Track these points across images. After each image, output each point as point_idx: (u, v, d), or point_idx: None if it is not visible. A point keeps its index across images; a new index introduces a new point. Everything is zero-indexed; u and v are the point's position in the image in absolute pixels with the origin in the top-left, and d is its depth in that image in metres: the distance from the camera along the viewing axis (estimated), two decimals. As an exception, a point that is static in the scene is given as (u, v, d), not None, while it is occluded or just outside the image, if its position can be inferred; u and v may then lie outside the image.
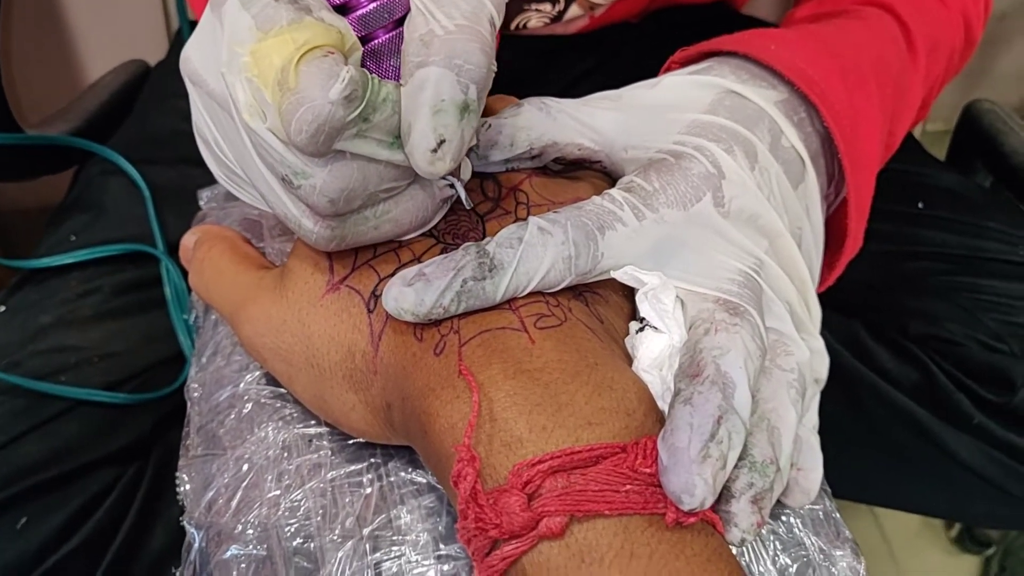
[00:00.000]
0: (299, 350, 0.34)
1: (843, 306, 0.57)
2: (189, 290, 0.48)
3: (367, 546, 0.33)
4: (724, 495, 0.29)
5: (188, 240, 0.42)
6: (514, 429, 0.27)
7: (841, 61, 0.40)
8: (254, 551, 0.34)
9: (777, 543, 0.35)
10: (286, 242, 0.43)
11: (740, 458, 0.30)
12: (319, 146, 0.27)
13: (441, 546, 0.34)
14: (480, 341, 0.30)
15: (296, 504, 0.34)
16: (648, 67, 0.43)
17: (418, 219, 0.33)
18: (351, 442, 0.37)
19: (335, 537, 0.33)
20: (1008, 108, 0.74)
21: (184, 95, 0.34)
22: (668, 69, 0.42)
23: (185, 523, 0.37)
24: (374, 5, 0.30)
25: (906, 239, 0.60)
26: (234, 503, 0.35)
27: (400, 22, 0.30)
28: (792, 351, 0.34)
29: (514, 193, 0.36)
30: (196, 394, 0.41)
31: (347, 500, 0.35)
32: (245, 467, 0.36)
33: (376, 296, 0.32)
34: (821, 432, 0.36)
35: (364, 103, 0.27)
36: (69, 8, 0.98)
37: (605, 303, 0.34)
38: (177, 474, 0.39)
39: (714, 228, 0.33)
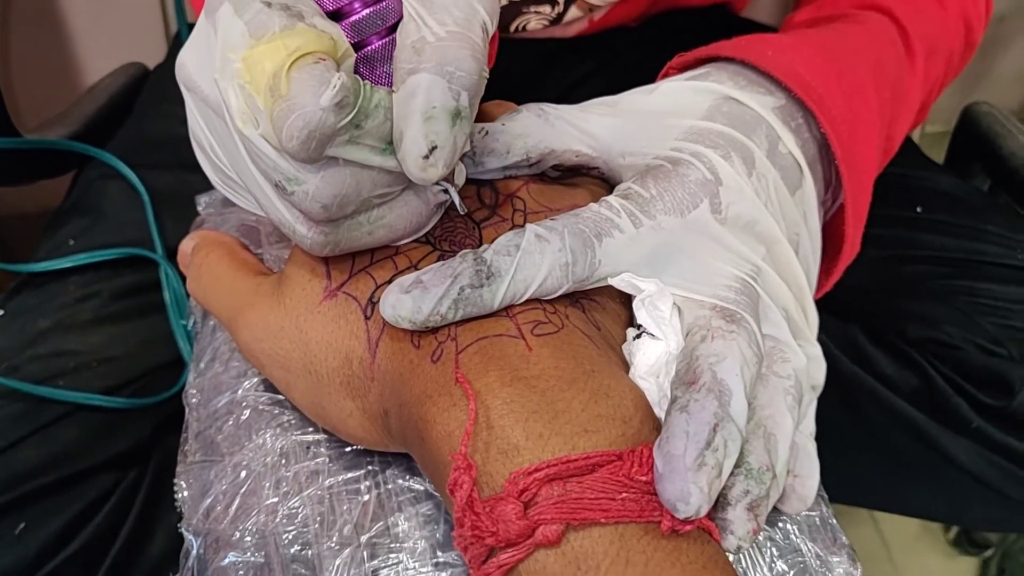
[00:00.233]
0: (297, 356, 0.34)
1: (841, 310, 0.57)
2: (188, 295, 0.48)
3: (365, 553, 0.33)
4: (720, 502, 0.29)
5: (186, 245, 0.42)
6: (511, 436, 0.27)
7: (838, 66, 0.40)
8: (252, 558, 0.34)
9: (774, 549, 0.35)
10: (284, 248, 0.43)
11: (736, 465, 0.30)
12: (310, 152, 0.27)
13: (439, 553, 0.34)
14: (477, 348, 0.30)
15: (294, 511, 0.35)
16: (647, 71, 0.43)
17: (412, 224, 0.33)
18: (349, 449, 0.37)
19: (333, 544, 0.33)
20: (1007, 111, 0.74)
21: (182, 99, 0.34)
22: (666, 75, 0.42)
23: (183, 530, 0.37)
24: (367, 11, 0.30)
25: (904, 243, 0.60)
26: (232, 510, 0.35)
27: (394, 28, 0.30)
28: (789, 358, 0.34)
29: (511, 200, 0.36)
30: (194, 400, 0.41)
31: (345, 507, 0.35)
32: (243, 474, 0.36)
33: (373, 303, 0.33)
34: (819, 437, 0.36)
35: (356, 110, 0.27)
36: (67, 11, 0.98)
37: (602, 310, 0.34)
38: (175, 480, 0.39)
39: (711, 235, 0.33)
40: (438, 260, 0.33)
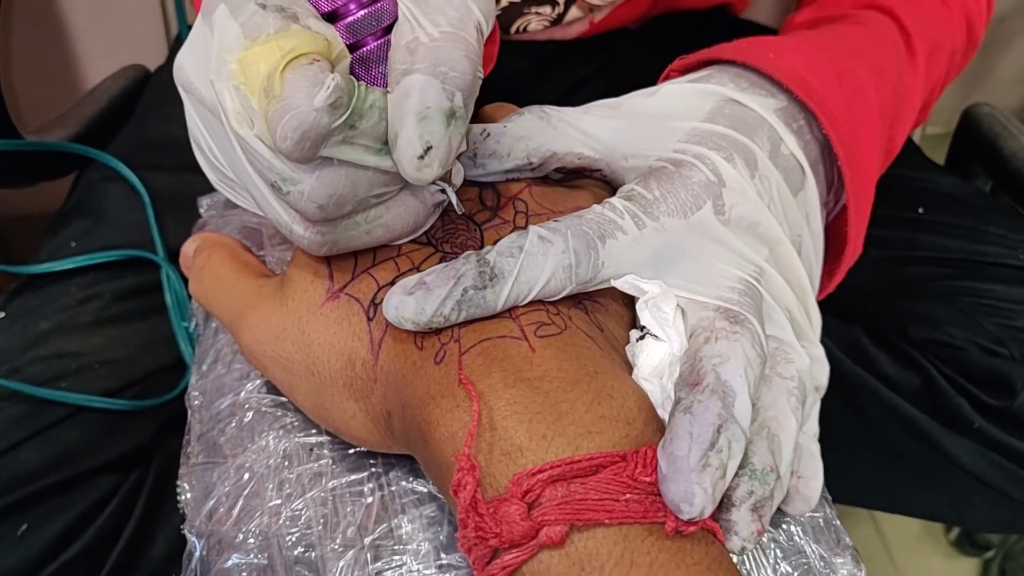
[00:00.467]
0: (299, 358, 0.34)
1: (843, 311, 0.57)
2: (190, 297, 0.48)
3: (368, 555, 0.33)
4: (724, 503, 0.29)
5: (188, 248, 0.42)
6: (514, 438, 0.27)
7: (839, 67, 0.40)
8: (255, 560, 0.34)
9: (778, 551, 0.35)
10: (286, 250, 0.43)
11: (740, 466, 0.30)
12: (304, 153, 0.27)
13: (442, 555, 0.34)
14: (480, 350, 0.30)
15: (297, 513, 0.34)
16: (648, 73, 0.43)
17: (410, 224, 0.33)
18: (352, 451, 0.37)
19: (336, 546, 0.33)
20: (1007, 112, 0.74)
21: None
22: (667, 77, 0.42)
23: (186, 531, 0.37)
24: (362, 13, 0.30)
25: (906, 244, 0.60)
26: (235, 512, 0.35)
27: (389, 29, 0.31)
28: (792, 359, 0.34)
29: (513, 202, 0.36)
30: (197, 402, 0.41)
31: (348, 509, 0.35)
32: (246, 476, 0.36)
33: (376, 304, 0.33)
34: (822, 438, 0.36)
35: (350, 110, 0.27)
36: (68, 13, 0.98)
37: (605, 312, 0.34)
38: (178, 482, 0.39)
39: (714, 236, 0.33)
40: (440, 262, 0.33)
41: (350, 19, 0.30)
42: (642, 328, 0.33)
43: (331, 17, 0.30)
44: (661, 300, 0.32)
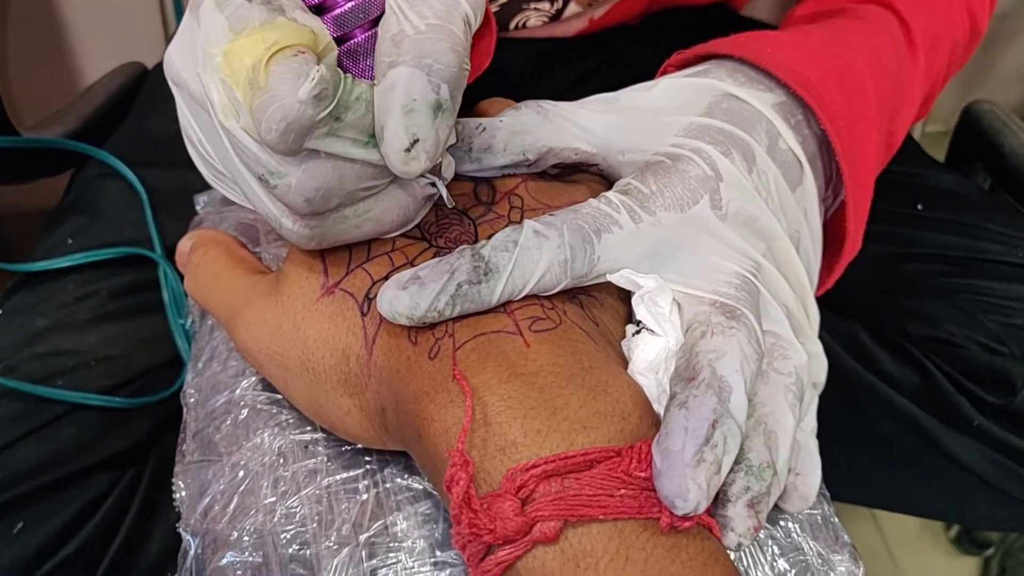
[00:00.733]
0: (294, 354, 0.34)
1: (843, 308, 0.57)
2: (186, 294, 0.48)
3: (363, 553, 0.33)
4: (720, 499, 0.29)
5: (184, 245, 0.42)
6: (508, 433, 0.27)
7: (838, 62, 0.40)
8: (250, 558, 0.34)
9: (775, 547, 0.35)
10: (282, 247, 0.43)
11: (737, 462, 0.30)
12: (289, 144, 0.27)
13: (437, 552, 0.33)
14: (475, 345, 0.30)
15: (292, 511, 0.34)
16: (647, 69, 0.43)
17: (400, 218, 0.33)
18: (347, 448, 0.37)
19: (331, 544, 0.33)
20: (1008, 109, 0.74)
21: None
22: (664, 72, 0.42)
23: (181, 530, 0.37)
24: (350, 5, 0.30)
25: (905, 241, 0.60)
26: (230, 509, 0.35)
27: (377, 22, 0.30)
28: (790, 355, 0.34)
29: (508, 197, 0.36)
30: (192, 400, 0.41)
31: (343, 507, 0.34)
32: (241, 473, 0.36)
33: (370, 299, 0.32)
34: (821, 435, 0.36)
35: (335, 102, 0.27)
36: (66, 10, 0.98)
37: (601, 306, 0.34)
38: (173, 480, 0.39)
39: (711, 231, 0.33)
40: (434, 256, 0.33)
41: (337, 11, 0.30)
42: (638, 323, 0.32)
43: (318, 10, 0.30)
44: (657, 295, 0.32)
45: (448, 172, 0.34)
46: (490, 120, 0.37)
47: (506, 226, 0.32)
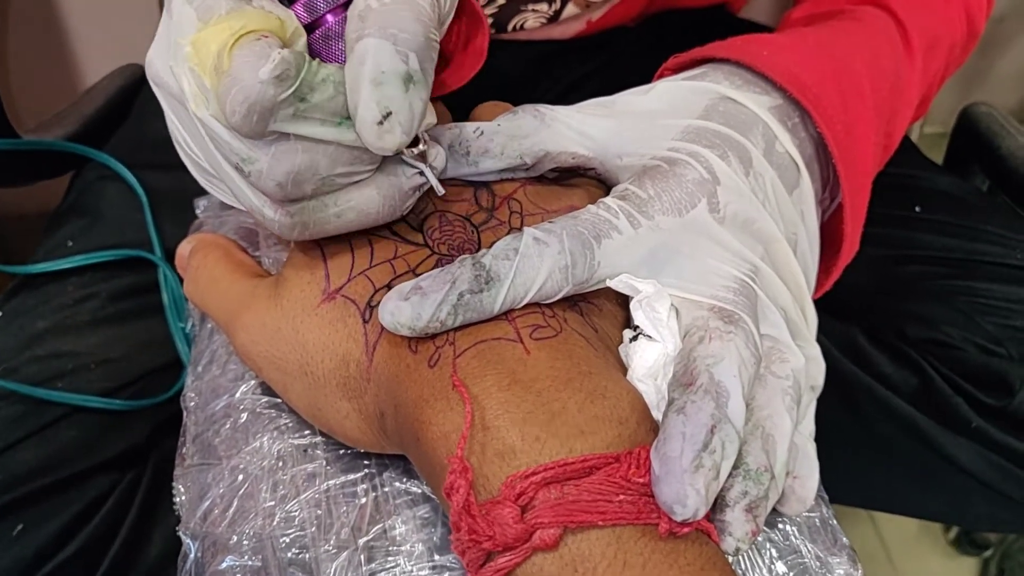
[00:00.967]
0: (293, 358, 0.34)
1: (841, 311, 0.57)
2: (186, 297, 0.48)
3: (362, 557, 0.33)
4: (719, 504, 0.29)
5: (184, 248, 0.42)
6: (507, 439, 0.27)
7: (834, 65, 0.40)
8: (249, 562, 0.34)
9: (773, 551, 0.35)
10: (281, 251, 0.43)
11: (734, 466, 0.30)
12: (253, 126, 0.27)
13: (436, 556, 0.33)
14: (475, 352, 0.30)
15: (291, 514, 0.34)
16: (646, 72, 0.43)
17: (385, 209, 0.32)
18: (346, 452, 0.37)
19: (330, 548, 0.33)
20: (1005, 111, 0.74)
21: None
22: (661, 75, 0.42)
23: (181, 533, 0.37)
24: None
25: (903, 243, 0.60)
26: (229, 513, 0.35)
27: (348, 6, 0.31)
28: (787, 358, 0.34)
29: (508, 202, 0.36)
30: (192, 403, 0.41)
31: (342, 510, 0.35)
32: (240, 477, 0.36)
33: (372, 306, 0.32)
34: (819, 437, 0.36)
35: (298, 82, 0.27)
36: (66, 12, 0.98)
37: (600, 313, 0.34)
38: (173, 484, 0.39)
39: (709, 234, 0.33)
40: (436, 264, 0.33)
41: None
42: (635, 328, 0.32)
43: None
44: (655, 300, 0.32)
45: (438, 162, 0.33)
46: (487, 124, 0.37)
47: (508, 232, 0.32)
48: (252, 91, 0.26)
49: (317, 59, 0.28)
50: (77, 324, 0.54)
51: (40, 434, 0.48)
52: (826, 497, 0.38)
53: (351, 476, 0.36)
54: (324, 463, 0.36)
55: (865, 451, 0.59)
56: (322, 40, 0.31)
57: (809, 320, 0.37)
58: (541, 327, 0.31)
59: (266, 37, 0.27)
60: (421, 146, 0.32)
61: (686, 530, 0.26)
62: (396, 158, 0.32)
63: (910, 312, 0.56)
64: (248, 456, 0.36)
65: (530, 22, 0.65)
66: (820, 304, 0.39)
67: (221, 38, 0.27)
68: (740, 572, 0.34)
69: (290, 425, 0.37)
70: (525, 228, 0.32)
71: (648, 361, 0.31)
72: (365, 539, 0.34)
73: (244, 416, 0.38)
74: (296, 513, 0.34)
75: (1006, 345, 0.54)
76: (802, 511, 0.34)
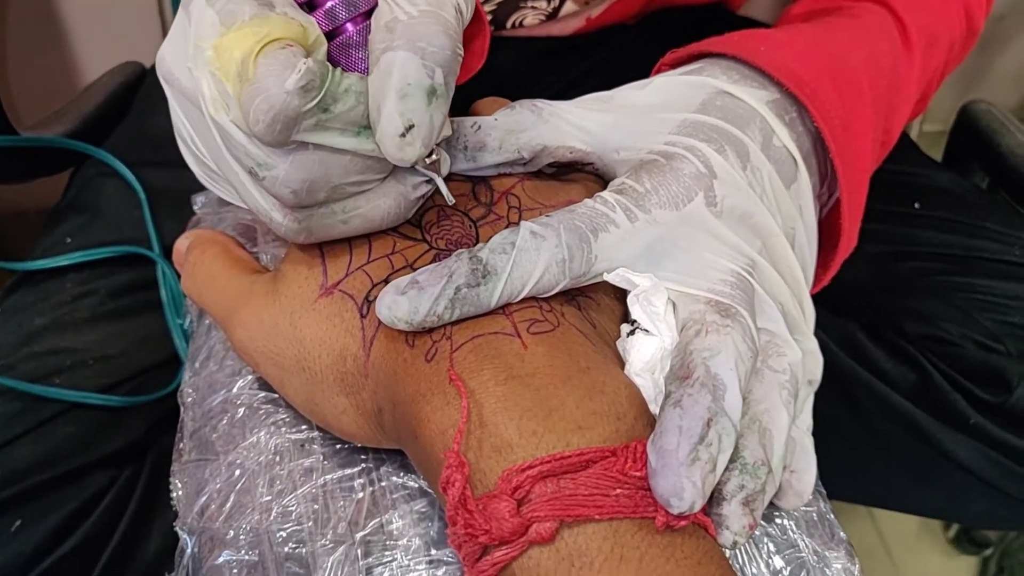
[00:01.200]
0: (291, 353, 0.34)
1: (839, 306, 0.57)
2: (184, 293, 0.48)
3: (359, 551, 0.33)
4: (715, 497, 0.29)
5: (181, 244, 0.42)
6: (504, 434, 0.27)
7: (832, 60, 0.40)
8: (246, 557, 0.34)
9: (771, 545, 0.35)
10: (280, 246, 0.43)
11: (731, 460, 0.30)
12: (277, 136, 0.27)
13: (433, 550, 0.33)
14: (472, 347, 0.30)
15: (288, 509, 0.34)
16: (645, 69, 0.43)
17: (390, 216, 0.33)
18: (343, 446, 0.37)
19: (327, 542, 0.33)
20: (1005, 109, 0.74)
21: None
22: (659, 70, 0.42)
23: (178, 528, 0.37)
24: None
25: (902, 239, 0.60)
26: (226, 508, 0.35)
27: (369, 15, 0.31)
28: (784, 352, 0.34)
29: (506, 197, 0.36)
30: (189, 399, 0.41)
31: (339, 505, 0.35)
32: (237, 472, 0.36)
33: (369, 301, 0.32)
34: (817, 433, 0.36)
35: (323, 93, 0.27)
36: (65, 9, 0.98)
37: (597, 307, 0.34)
38: (170, 479, 0.39)
39: (706, 228, 0.33)
40: (434, 259, 0.33)
41: (328, 5, 0.30)
42: (633, 322, 0.32)
43: (310, 5, 0.30)
44: (652, 294, 0.32)
45: (444, 168, 0.34)
46: (485, 119, 0.37)
47: (506, 227, 0.33)
48: (277, 101, 0.26)
49: (339, 68, 0.28)
50: (75, 320, 0.54)
51: (38, 430, 0.48)
52: (823, 491, 0.38)
53: (348, 471, 0.36)
54: (321, 458, 0.36)
55: (863, 447, 0.59)
56: (340, 48, 0.31)
57: (807, 314, 0.37)
58: (539, 321, 0.31)
59: (291, 46, 0.27)
60: (434, 155, 0.32)
61: (683, 523, 0.26)
62: (405, 167, 0.32)
63: (909, 308, 0.56)
64: (245, 451, 0.36)
65: (529, 19, 0.65)
66: (819, 300, 0.39)
67: (246, 45, 0.27)
68: (737, 566, 0.34)
69: (287, 420, 0.37)
70: (522, 222, 0.31)
71: (645, 355, 0.31)
72: (362, 533, 0.34)
73: (241, 411, 0.38)
74: (293, 508, 0.34)
75: (1004, 341, 0.54)
76: (799, 505, 0.34)
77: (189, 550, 0.36)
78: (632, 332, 0.32)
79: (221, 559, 0.34)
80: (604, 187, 0.35)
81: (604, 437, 0.27)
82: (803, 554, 0.35)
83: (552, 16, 0.65)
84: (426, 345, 0.30)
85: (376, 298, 0.31)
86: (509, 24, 0.65)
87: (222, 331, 0.39)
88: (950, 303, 0.56)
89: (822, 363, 0.37)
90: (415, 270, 0.31)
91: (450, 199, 0.34)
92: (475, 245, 0.32)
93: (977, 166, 0.76)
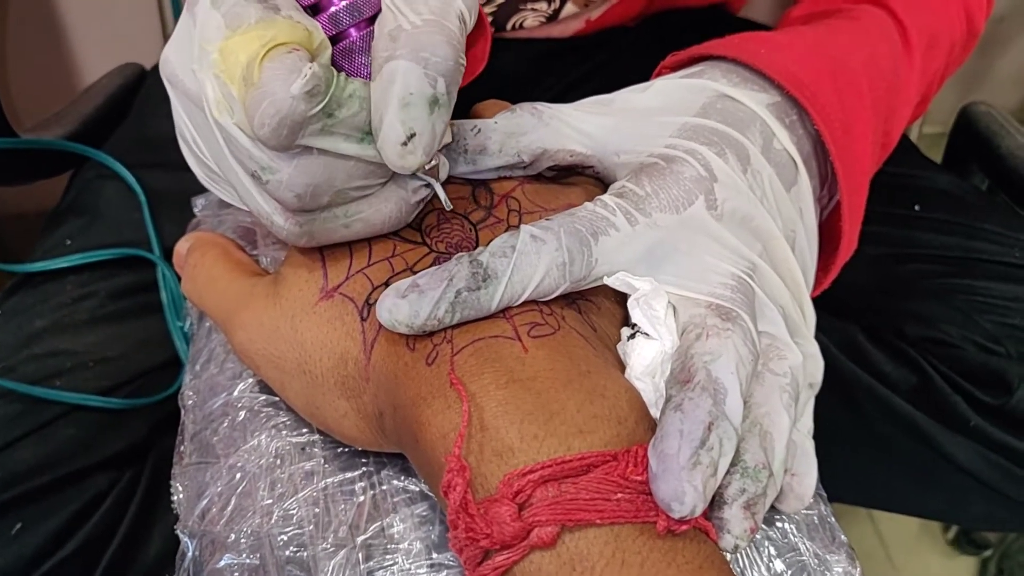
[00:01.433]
0: (291, 356, 0.34)
1: (840, 309, 0.57)
2: (184, 296, 0.48)
3: (360, 555, 0.33)
4: (717, 501, 0.29)
5: (181, 247, 0.42)
6: (505, 438, 0.27)
7: (832, 62, 0.40)
8: (247, 560, 0.34)
9: (771, 548, 0.35)
10: (280, 249, 0.43)
11: (732, 464, 0.30)
12: (281, 140, 0.27)
13: (434, 554, 0.33)
14: (473, 350, 0.30)
15: (289, 513, 0.34)
16: (645, 72, 0.43)
17: (391, 220, 0.33)
18: (343, 450, 0.37)
19: (328, 546, 0.33)
20: (1005, 111, 0.74)
21: None
22: (659, 73, 0.42)
23: (179, 532, 0.37)
24: (344, 3, 0.30)
25: (902, 241, 0.60)
26: (227, 512, 0.35)
27: (373, 20, 0.31)
28: (785, 355, 0.34)
29: (506, 200, 0.36)
30: (190, 402, 0.41)
31: (340, 508, 0.35)
32: (238, 475, 0.36)
33: (370, 304, 0.32)
34: (817, 435, 0.36)
35: (328, 98, 0.27)
36: (65, 11, 0.98)
37: (598, 311, 0.34)
38: (171, 483, 0.39)
39: (707, 231, 0.33)
40: (434, 262, 0.33)
41: (332, 10, 0.30)
42: (633, 326, 0.32)
43: (314, 9, 0.30)
44: (652, 297, 0.32)
45: (443, 173, 0.34)
46: (485, 122, 0.37)
47: (506, 231, 0.33)
48: (283, 105, 0.26)
49: (343, 73, 0.28)
50: (75, 323, 0.54)
51: (39, 433, 0.48)
52: (824, 495, 0.38)
53: (349, 474, 0.36)
54: (322, 461, 0.36)
55: (864, 449, 0.59)
56: (344, 53, 0.31)
57: (807, 317, 0.37)
58: (539, 325, 0.31)
59: (297, 50, 0.27)
60: (433, 161, 0.32)
61: (684, 528, 0.26)
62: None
63: (909, 310, 0.56)
64: (246, 454, 0.36)
65: (529, 21, 0.65)
66: (819, 302, 0.39)
67: (251, 48, 0.27)
68: (738, 570, 0.34)
69: (288, 423, 0.37)
70: (522, 226, 0.31)
71: (646, 359, 0.31)
72: (363, 537, 0.34)
73: (242, 414, 0.38)
74: (294, 511, 0.34)
75: (1004, 343, 0.54)
76: (800, 509, 0.34)
77: (190, 553, 0.36)
78: (633, 336, 0.32)
79: (222, 562, 0.34)
80: (604, 190, 0.35)
81: (605, 441, 0.27)
82: (804, 557, 0.35)
83: (552, 18, 0.65)
84: (427, 348, 0.30)
85: (376, 301, 0.31)
86: (509, 26, 0.65)
87: (222, 334, 0.39)
88: (950, 305, 0.56)
89: (823, 366, 0.37)
90: (415, 273, 0.31)
91: (448, 204, 0.34)
92: (475, 248, 0.32)
93: (977, 168, 0.76)
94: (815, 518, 0.37)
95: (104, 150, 0.65)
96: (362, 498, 0.35)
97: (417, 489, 0.35)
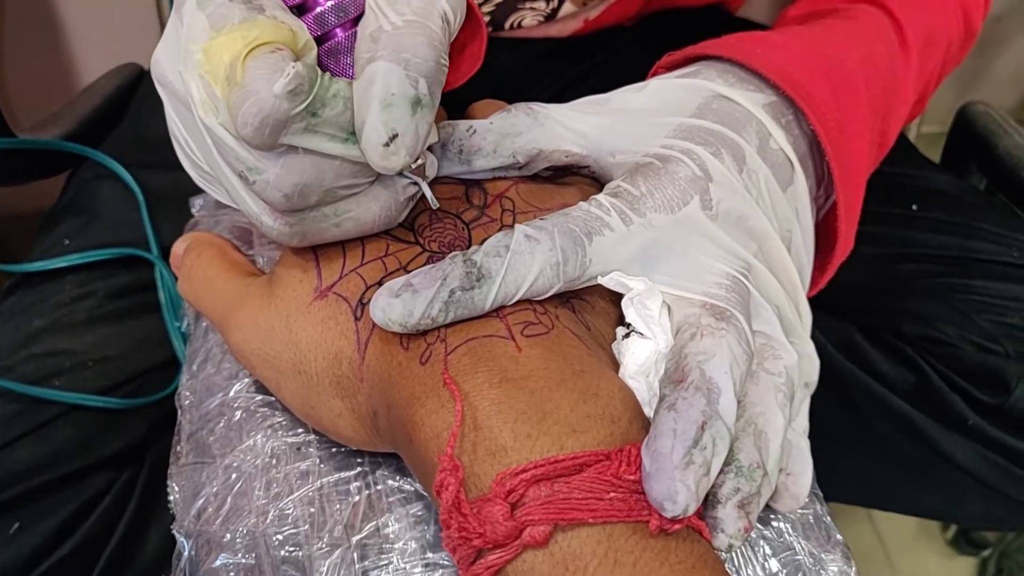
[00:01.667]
0: (287, 356, 0.34)
1: (837, 309, 0.57)
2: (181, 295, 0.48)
3: (355, 554, 0.33)
4: (710, 500, 0.29)
5: (178, 247, 0.42)
6: (498, 437, 0.27)
7: (828, 62, 0.40)
8: (243, 560, 0.34)
9: (766, 547, 0.35)
10: (275, 250, 0.43)
11: (726, 463, 0.30)
12: (265, 139, 0.27)
13: (429, 554, 0.34)
14: (467, 349, 0.30)
15: (284, 512, 0.34)
16: (643, 71, 0.43)
17: (382, 218, 0.33)
18: (339, 450, 0.37)
19: (323, 546, 0.33)
20: (1003, 110, 0.74)
21: None
22: (655, 73, 0.42)
23: (175, 531, 0.37)
24: (329, 4, 0.30)
25: (900, 241, 0.60)
26: (223, 512, 0.35)
27: (358, 21, 0.31)
28: (780, 355, 0.34)
29: (500, 200, 0.36)
30: (187, 402, 0.41)
31: (336, 508, 0.35)
32: (234, 475, 0.36)
33: (363, 303, 0.32)
34: (815, 434, 0.36)
35: (311, 98, 0.27)
36: (63, 11, 0.98)
37: (592, 310, 0.34)
38: (168, 482, 0.39)
39: (702, 231, 0.33)
40: (427, 262, 0.33)
41: (317, 10, 0.30)
42: (628, 325, 0.32)
43: (300, 10, 0.30)
44: (646, 297, 0.32)
45: (431, 172, 0.34)
46: (480, 122, 0.37)
47: (499, 230, 0.33)
48: (266, 104, 0.26)
49: (328, 73, 0.28)
50: (74, 322, 0.54)
51: (37, 432, 0.48)
52: (820, 494, 0.38)
53: (344, 474, 0.36)
54: (317, 461, 0.36)
55: (862, 448, 0.59)
56: (329, 53, 0.31)
57: (803, 317, 0.37)
58: (532, 324, 0.31)
59: (280, 49, 0.27)
60: (420, 160, 0.32)
61: (676, 527, 0.26)
62: None
63: (907, 310, 0.56)
64: (242, 454, 0.37)
65: (527, 20, 0.65)
66: (817, 302, 0.39)
67: (234, 48, 0.27)
68: (733, 569, 0.34)
69: (284, 423, 0.37)
70: (516, 225, 0.32)
71: (640, 358, 0.31)
72: (358, 537, 0.34)
73: (238, 414, 0.38)
74: (289, 511, 0.34)
75: (1002, 342, 0.54)
76: (795, 508, 0.34)
77: (186, 553, 0.36)
78: (627, 335, 0.32)
79: (218, 562, 0.34)
80: (600, 190, 0.35)
81: (598, 440, 0.27)
82: (799, 557, 0.35)
83: (550, 17, 0.65)
84: (420, 348, 0.30)
85: (370, 300, 0.31)
86: (507, 25, 0.65)
87: (219, 334, 0.39)
88: (948, 304, 0.56)
89: (818, 366, 0.37)
90: (408, 272, 0.31)
91: (434, 203, 0.34)
92: (468, 248, 0.32)
93: (975, 168, 0.75)
94: (811, 517, 0.37)
95: (102, 150, 0.65)
96: (357, 498, 0.35)
97: (412, 489, 0.35)
